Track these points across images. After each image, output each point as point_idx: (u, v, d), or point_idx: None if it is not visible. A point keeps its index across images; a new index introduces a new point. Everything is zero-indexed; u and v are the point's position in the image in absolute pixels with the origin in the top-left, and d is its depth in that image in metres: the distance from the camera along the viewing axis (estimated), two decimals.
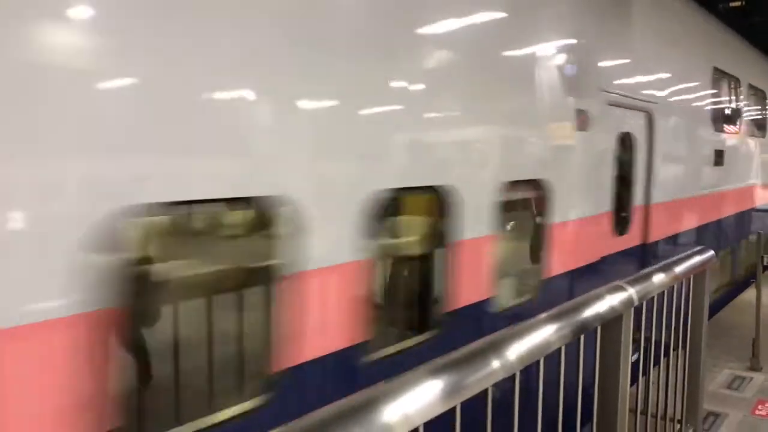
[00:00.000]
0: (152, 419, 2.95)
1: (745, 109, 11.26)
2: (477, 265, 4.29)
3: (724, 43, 10.62)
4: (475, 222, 4.23)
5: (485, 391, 1.83)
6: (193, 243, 3.62)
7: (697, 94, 8.87)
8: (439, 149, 4.05)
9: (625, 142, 6.54)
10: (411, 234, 4.36)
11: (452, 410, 1.70)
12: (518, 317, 2.20)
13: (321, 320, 3.20)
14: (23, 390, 2.13)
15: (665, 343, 3.47)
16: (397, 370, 1.59)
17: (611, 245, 6.20)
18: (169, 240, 3.24)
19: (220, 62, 2.75)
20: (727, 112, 10.29)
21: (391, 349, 3.70)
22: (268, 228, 3.04)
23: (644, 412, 3.42)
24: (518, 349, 1.96)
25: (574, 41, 5.52)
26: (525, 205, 5.33)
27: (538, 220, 5.25)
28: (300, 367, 3.05)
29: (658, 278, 3.18)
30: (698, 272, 3.77)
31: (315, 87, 3.17)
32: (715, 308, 9.23)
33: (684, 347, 3.80)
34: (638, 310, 2.96)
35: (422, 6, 3.89)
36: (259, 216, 3.11)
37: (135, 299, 2.55)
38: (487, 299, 4.38)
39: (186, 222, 3.30)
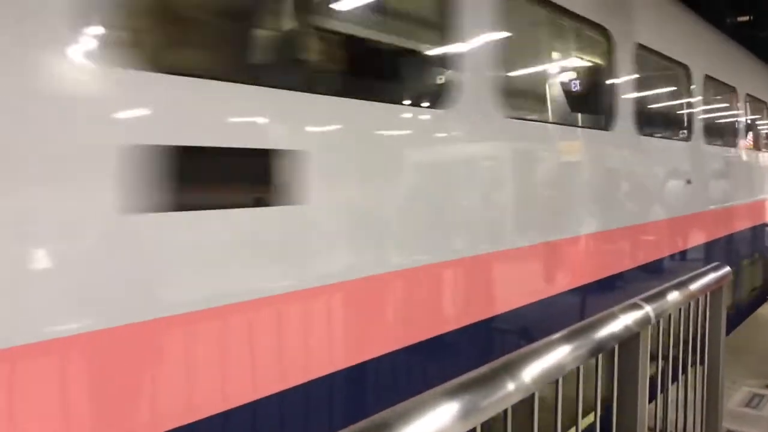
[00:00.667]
0: None
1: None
2: None
3: None
4: None
5: (498, 415, 1.79)
6: None
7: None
8: None
9: None
10: None
11: None
12: None
13: None
14: None
15: (683, 360, 3.42)
16: None
17: None
18: None
19: None
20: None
21: None
22: None
23: (663, 431, 3.36)
24: (533, 370, 1.93)
25: None
26: None
27: None
28: None
29: (674, 296, 3.14)
30: (714, 289, 3.72)
31: None
32: None
33: (702, 365, 3.74)
34: (655, 328, 2.92)
35: None
36: None
37: None
38: None
39: None
